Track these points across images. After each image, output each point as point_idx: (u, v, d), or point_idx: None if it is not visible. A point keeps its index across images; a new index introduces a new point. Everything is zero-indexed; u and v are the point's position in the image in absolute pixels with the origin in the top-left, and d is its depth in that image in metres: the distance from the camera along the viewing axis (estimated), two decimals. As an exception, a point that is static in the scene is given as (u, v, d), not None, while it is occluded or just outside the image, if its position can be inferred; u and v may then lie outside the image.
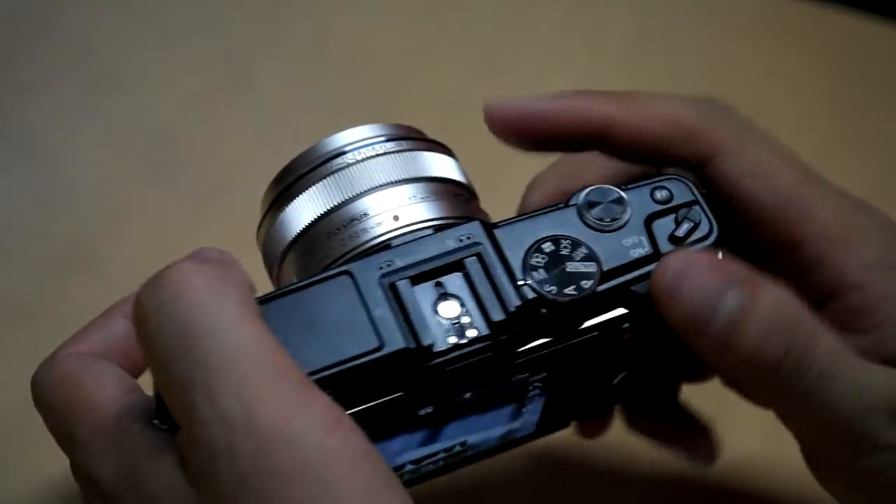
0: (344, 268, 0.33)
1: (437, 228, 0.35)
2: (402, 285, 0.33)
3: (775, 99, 0.68)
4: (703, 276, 0.34)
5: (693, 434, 0.47)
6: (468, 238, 0.34)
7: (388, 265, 0.33)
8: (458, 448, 0.39)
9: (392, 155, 0.37)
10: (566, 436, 0.53)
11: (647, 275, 0.35)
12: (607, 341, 0.36)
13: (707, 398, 0.51)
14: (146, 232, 0.58)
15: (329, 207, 0.36)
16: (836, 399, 0.35)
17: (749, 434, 0.53)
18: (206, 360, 0.30)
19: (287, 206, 0.37)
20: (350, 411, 0.32)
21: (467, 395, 0.35)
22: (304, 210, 0.37)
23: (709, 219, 0.36)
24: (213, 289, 0.31)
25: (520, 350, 0.35)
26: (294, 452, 0.29)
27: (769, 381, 0.35)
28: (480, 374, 0.34)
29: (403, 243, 0.35)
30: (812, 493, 0.46)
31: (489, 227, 0.35)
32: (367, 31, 0.70)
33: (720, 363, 0.35)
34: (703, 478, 0.51)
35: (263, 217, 0.38)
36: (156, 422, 0.32)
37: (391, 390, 0.33)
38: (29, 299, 0.55)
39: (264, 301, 0.33)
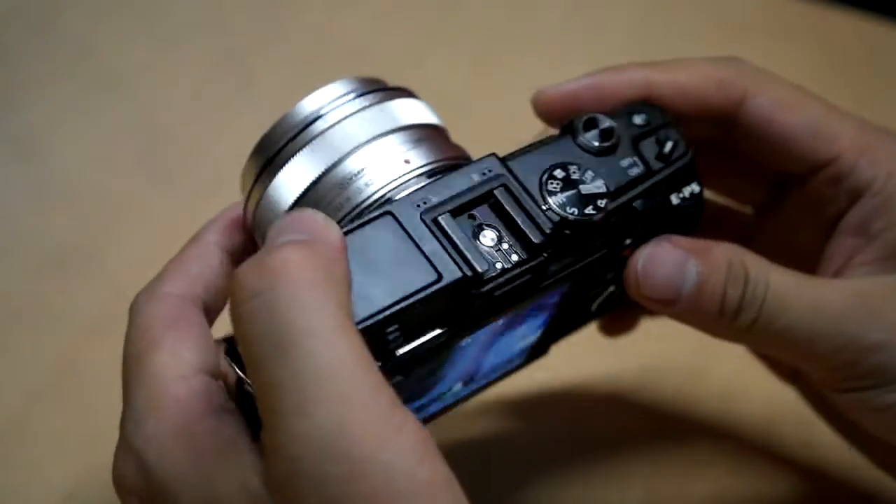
0: (384, 209, 0.34)
1: (451, 167, 0.37)
2: (444, 219, 0.34)
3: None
4: (667, 253, 0.39)
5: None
6: (490, 171, 0.36)
7: (425, 202, 0.35)
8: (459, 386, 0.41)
9: (369, 109, 0.38)
10: (567, 436, 0.53)
11: (646, 191, 0.38)
12: (611, 257, 0.39)
13: (709, 401, 0.51)
14: (146, 232, 0.58)
15: (324, 169, 0.37)
16: (800, 317, 0.39)
17: (748, 434, 0.53)
18: (303, 368, 0.29)
19: (277, 174, 0.37)
20: (408, 347, 0.34)
21: (501, 321, 0.37)
22: (297, 176, 0.37)
23: (683, 138, 0.40)
24: (316, 286, 0.30)
25: (552, 270, 0.37)
26: (385, 481, 0.29)
27: (735, 328, 0.39)
28: (521, 295, 0.36)
29: (430, 182, 0.36)
30: (809, 494, 0.46)
31: (503, 160, 0.36)
32: (367, 31, 0.70)
33: (696, 325, 0.40)
34: (704, 477, 0.51)
35: (250, 191, 0.38)
36: (228, 361, 0.33)
37: (445, 322, 0.35)
38: (29, 299, 0.55)
39: None
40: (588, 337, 0.47)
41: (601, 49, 0.71)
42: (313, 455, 0.29)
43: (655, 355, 0.53)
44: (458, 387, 0.40)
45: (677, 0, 0.75)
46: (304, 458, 0.29)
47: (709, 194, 0.42)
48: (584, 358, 0.53)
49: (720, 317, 0.39)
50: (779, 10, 0.75)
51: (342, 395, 0.29)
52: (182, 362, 0.34)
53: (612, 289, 0.42)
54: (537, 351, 0.44)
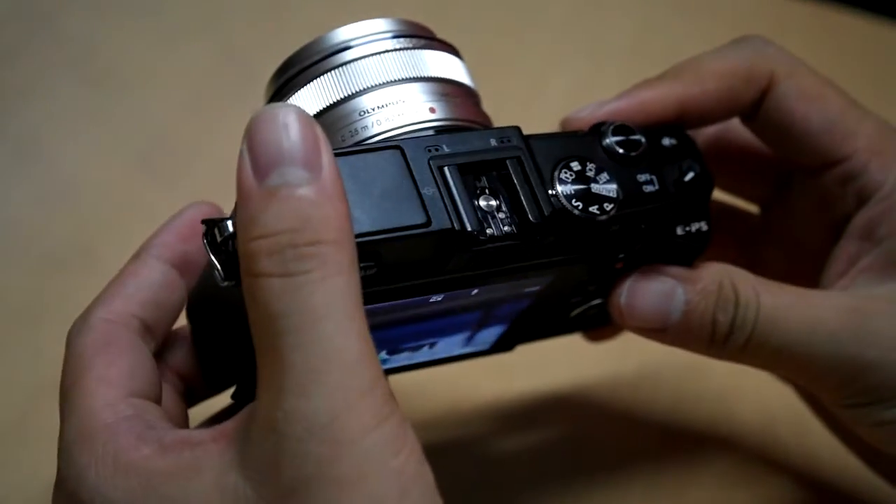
0: (395, 142, 0.34)
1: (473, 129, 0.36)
2: (450, 171, 0.34)
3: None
4: (651, 284, 0.38)
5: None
6: (508, 141, 0.36)
7: (437, 150, 0.34)
8: (425, 348, 0.41)
9: (406, 52, 0.38)
10: (568, 435, 0.53)
11: (654, 212, 0.38)
12: (603, 265, 0.39)
13: (708, 401, 0.51)
14: (146, 232, 0.58)
15: (346, 94, 0.36)
16: (793, 338, 0.38)
17: (747, 435, 0.53)
18: (315, 352, 0.29)
19: (296, 92, 0.37)
20: (382, 288, 0.33)
21: (474, 291, 0.37)
22: (317, 95, 0.37)
23: (707, 170, 0.39)
24: (345, 281, 0.30)
25: (538, 255, 0.36)
26: (358, 467, 0.29)
27: (727, 350, 0.39)
28: (503, 269, 0.36)
29: (447, 131, 0.36)
30: (806, 498, 0.46)
31: (524, 137, 0.36)
32: (367, 31, 0.70)
33: (686, 349, 0.39)
34: (702, 478, 0.51)
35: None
36: (224, 282, 0.32)
37: (422, 271, 0.34)
38: (29, 299, 0.55)
39: None
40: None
41: (601, 49, 0.71)
42: (301, 434, 0.29)
43: (654, 355, 0.53)
44: (406, 353, 0.40)
45: (678, 0, 0.75)
46: (293, 437, 0.29)
47: (715, 192, 0.42)
48: (583, 358, 0.53)
49: (711, 342, 0.39)
50: (779, 10, 0.75)
51: (344, 383, 0.30)
52: (110, 389, 0.34)
53: (595, 301, 0.42)
54: (503, 343, 0.43)
